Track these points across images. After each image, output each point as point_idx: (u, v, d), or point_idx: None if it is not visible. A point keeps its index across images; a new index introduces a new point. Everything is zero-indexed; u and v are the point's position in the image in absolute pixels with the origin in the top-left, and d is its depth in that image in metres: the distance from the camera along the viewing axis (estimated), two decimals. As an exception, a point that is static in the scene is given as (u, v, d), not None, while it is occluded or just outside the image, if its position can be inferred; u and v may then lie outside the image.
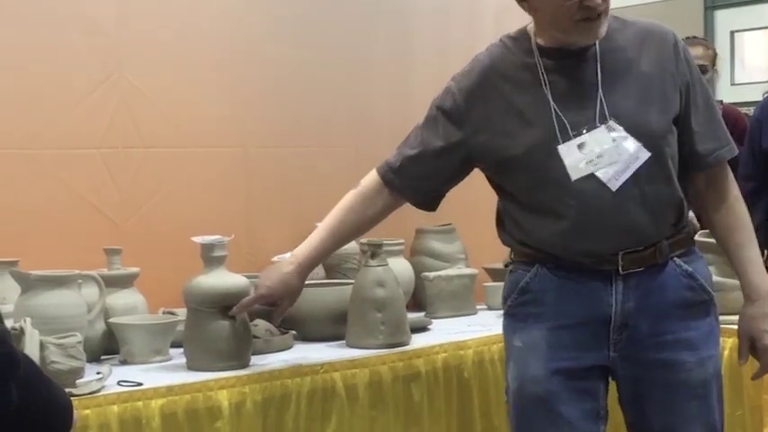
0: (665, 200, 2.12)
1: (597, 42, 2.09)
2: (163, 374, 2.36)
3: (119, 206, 2.94)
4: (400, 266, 3.09)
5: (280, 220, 3.25)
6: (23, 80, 2.80)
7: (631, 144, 2.06)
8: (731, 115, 4.06)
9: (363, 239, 2.96)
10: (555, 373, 2.11)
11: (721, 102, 4.21)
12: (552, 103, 2.09)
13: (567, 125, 2.08)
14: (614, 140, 2.06)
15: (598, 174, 2.06)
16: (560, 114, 2.08)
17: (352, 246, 3.18)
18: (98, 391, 2.18)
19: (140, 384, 2.24)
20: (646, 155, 2.06)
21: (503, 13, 3.81)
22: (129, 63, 2.97)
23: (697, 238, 3.01)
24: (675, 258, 2.14)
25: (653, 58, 2.12)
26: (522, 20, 4.06)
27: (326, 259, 2.63)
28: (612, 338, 2.12)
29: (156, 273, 2.75)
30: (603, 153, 2.06)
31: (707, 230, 3.09)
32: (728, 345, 2.77)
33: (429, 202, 2.34)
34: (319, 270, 3.11)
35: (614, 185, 2.06)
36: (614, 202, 2.07)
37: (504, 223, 2.23)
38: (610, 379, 2.19)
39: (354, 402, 2.50)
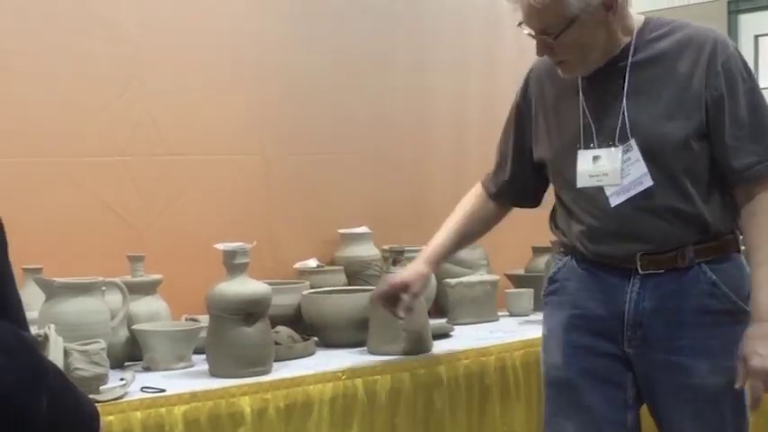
0: (681, 214, 2.10)
1: (631, 53, 2.10)
2: (186, 381, 2.36)
3: (141, 213, 2.96)
4: (422, 273, 3.07)
5: (301, 226, 3.26)
6: (46, 88, 2.82)
7: (639, 169, 2.09)
8: None
9: (386, 246, 2.97)
10: (572, 355, 2.18)
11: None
12: (583, 109, 2.14)
13: (594, 133, 2.12)
14: (624, 162, 2.10)
15: (606, 188, 2.12)
16: (589, 121, 2.13)
17: (374, 252, 3.20)
18: (121, 397, 2.19)
19: (163, 391, 2.25)
20: (649, 183, 2.09)
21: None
22: (151, 71, 2.99)
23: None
24: (703, 264, 2.12)
25: (687, 69, 2.08)
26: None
27: (451, 255, 2.64)
28: (626, 335, 2.14)
29: (178, 279, 2.76)
30: (609, 172, 2.11)
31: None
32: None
33: (533, 200, 2.42)
34: (341, 277, 3.12)
35: (614, 202, 2.12)
36: (624, 213, 2.10)
37: (553, 215, 2.32)
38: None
39: (376, 409, 2.50)
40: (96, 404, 2.03)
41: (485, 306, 3.21)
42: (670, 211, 2.10)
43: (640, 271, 2.12)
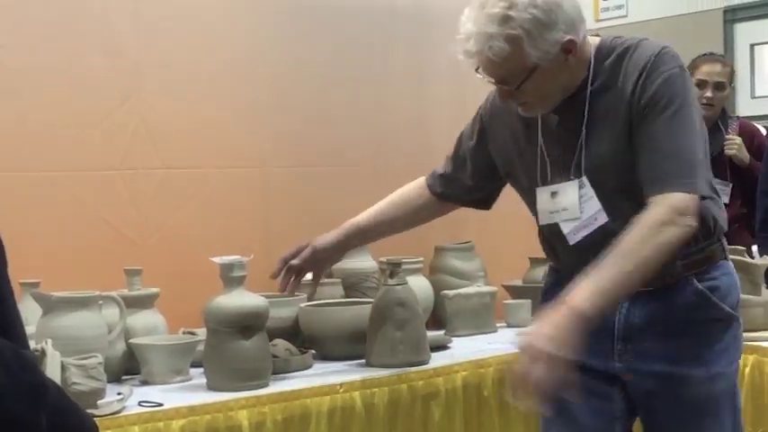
0: None
1: (589, 83, 2.07)
2: (183, 394, 2.36)
3: (139, 227, 2.96)
4: (419, 284, 3.08)
5: (298, 239, 3.22)
6: (43, 102, 2.82)
7: (593, 206, 2.08)
8: (747, 130, 4.05)
9: (383, 258, 2.97)
10: None
11: (737, 117, 4.19)
12: (541, 142, 2.13)
13: (548, 168, 2.12)
14: (581, 197, 2.09)
15: (561, 225, 2.12)
16: (545, 156, 2.12)
17: (371, 264, 3.20)
18: (119, 411, 2.19)
19: (161, 405, 2.25)
20: (603, 219, 2.07)
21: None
22: (148, 84, 2.99)
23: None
24: (691, 276, 2.11)
25: (628, 94, 2.04)
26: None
27: (362, 242, 2.63)
28: (617, 349, 2.13)
29: (176, 293, 2.76)
30: (568, 207, 2.11)
31: (730, 247, 3.09)
32: (750, 362, 2.76)
33: (480, 202, 2.41)
34: (339, 289, 3.11)
35: (572, 239, 2.11)
36: (599, 245, 2.03)
37: (540, 234, 2.30)
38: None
39: (374, 421, 2.50)
40: (94, 419, 2.04)
41: (483, 317, 3.21)
42: None
43: None
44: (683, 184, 1.98)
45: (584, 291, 1.88)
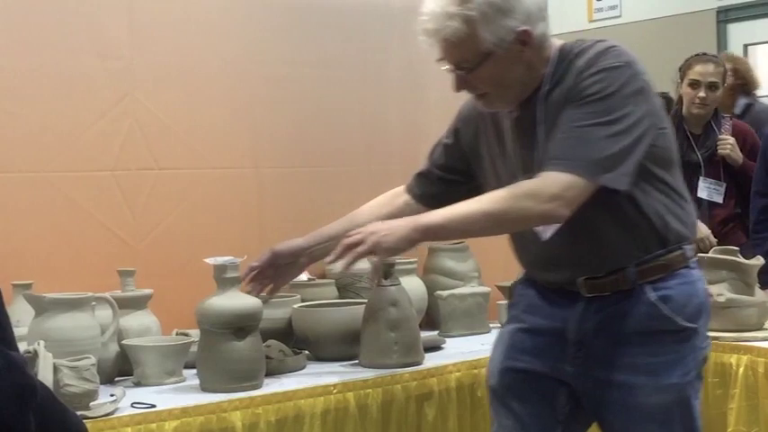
0: (615, 237, 2.09)
1: (546, 83, 2.08)
2: (176, 396, 2.36)
3: (132, 228, 2.95)
4: (413, 285, 3.08)
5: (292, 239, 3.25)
6: (37, 103, 2.82)
7: None
8: (740, 131, 4.06)
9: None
10: (508, 370, 2.22)
11: (731, 117, 4.20)
12: (509, 143, 2.15)
13: (517, 167, 2.13)
14: None
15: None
16: (515, 157, 2.14)
17: (364, 265, 3.19)
18: (112, 413, 2.19)
19: (154, 406, 2.25)
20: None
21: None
22: (142, 85, 2.99)
23: (711, 254, 3.03)
24: (646, 285, 2.10)
25: (572, 82, 2.05)
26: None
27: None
28: (569, 353, 2.14)
29: (169, 294, 2.76)
30: None
31: (722, 247, 3.10)
32: (744, 362, 2.76)
33: (455, 200, 2.34)
34: (332, 290, 3.11)
35: (544, 236, 2.12)
36: (557, 244, 2.10)
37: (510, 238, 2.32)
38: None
39: (368, 422, 2.50)
40: (86, 420, 2.03)
41: (476, 318, 3.21)
42: (598, 239, 2.10)
43: (585, 294, 2.13)
44: (564, 165, 1.98)
45: (435, 214, 2.03)
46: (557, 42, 2.11)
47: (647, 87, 2.06)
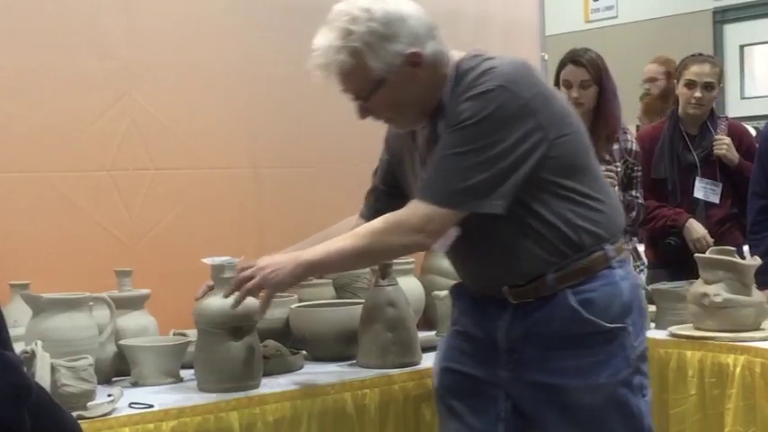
0: (526, 248, 2.12)
1: (445, 97, 2.11)
2: (174, 396, 2.36)
3: (129, 228, 2.95)
4: (410, 285, 3.08)
5: (291, 239, 3.22)
6: (34, 103, 2.82)
7: None
8: (736, 131, 4.07)
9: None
10: (446, 370, 2.29)
11: (726, 118, 4.22)
12: (416, 155, 2.22)
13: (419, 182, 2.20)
14: None
15: None
16: (416, 173, 2.21)
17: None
18: (109, 413, 2.18)
19: (151, 406, 2.25)
20: (454, 234, 2.13)
21: (511, 27, 3.83)
22: (140, 85, 2.99)
23: (708, 254, 3.03)
24: (567, 290, 2.13)
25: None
26: (529, 35, 4.08)
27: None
28: (502, 359, 2.19)
29: (166, 294, 2.75)
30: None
31: (719, 247, 3.11)
32: (741, 362, 2.77)
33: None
34: (329, 290, 3.11)
35: (436, 249, 2.22)
36: (468, 258, 2.19)
37: None
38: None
39: (365, 422, 2.50)
40: (84, 421, 2.04)
41: (474, 318, 3.21)
42: (510, 251, 2.14)
43: (512, 301, 2.17)
44: (428, 195, 2.08)
45: (316, 251, 2.17)
46: (455, 58, 2.14)
47: (532, 103, 2.07)
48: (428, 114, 2.15)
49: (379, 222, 2.14)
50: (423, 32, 2.09)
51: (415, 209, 2.09)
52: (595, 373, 2.14)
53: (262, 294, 2.22)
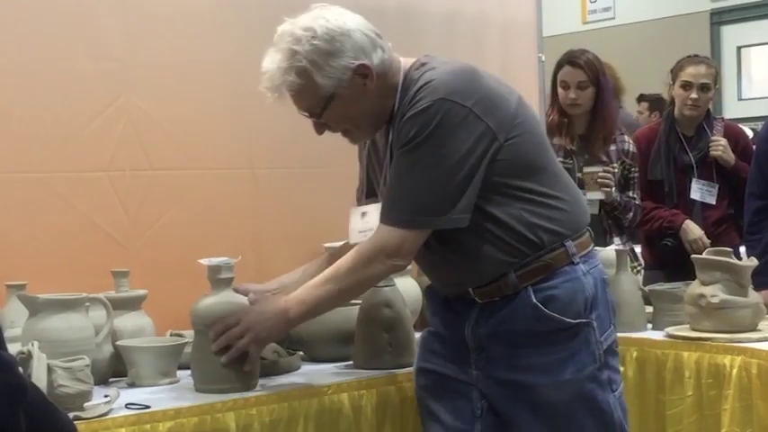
0: (484, 250, 2.15)
1: (395, 109, 2.14)
2: (170, 397, 2.36)
3: (126, 228, 2.95)
4: (407, 286, 3.08)
5: (288, 241, 3.26)
6: (30, 103, 2.81)
7: None
8: (732, 132, 4.08)
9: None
10: (421, 370, 2.34)
11: (722, 119, 4.23)
12: (366, 161, 2.30)
13: (366, 190, 2.30)
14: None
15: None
16: (365, 179, 2.30)
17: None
18: (106, 414, 2.18)
19: (148, 407, 2.24)
20: None
21: (509, 27, 3.83)
22: (137, 86, 2.98)
23: (704, 255, 3.04)
24: (529, 288, 2.16)
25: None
26: (527, 36, 4.08)
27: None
28: (472, 357, 2.22)
29: (163, 295, 2.75)
30: (374, 228, 2.21)
31: (716, 248, 3.11)
32: (737, 363, 2.77)
33: None
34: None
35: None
36: (428, 262, 2.24)
37: None
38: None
39: (362, 423, 2.49)
40: (80, 421, 2.04)
41: (471, 319, 3.21)
42: (469, 254, 2.17)
43: (478, 300, 2.21)
44: (395, 219, 2.13)
45: (297, 300, 2.22)
46: (405, 65, 2.18)
47: (476, 109, 2.09)
48: (383, 123, 2.19)
49: (353, 258, 2.18)
50: (368, 44, 2.11)
51: (386, 236, 2.14)
52: (561, 369, 2.16)
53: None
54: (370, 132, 2.21)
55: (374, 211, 2.23)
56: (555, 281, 2.17)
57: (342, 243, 3.25)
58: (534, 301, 2.16)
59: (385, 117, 2.17)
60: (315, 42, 2.09)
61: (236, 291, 2.42)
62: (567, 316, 2.16)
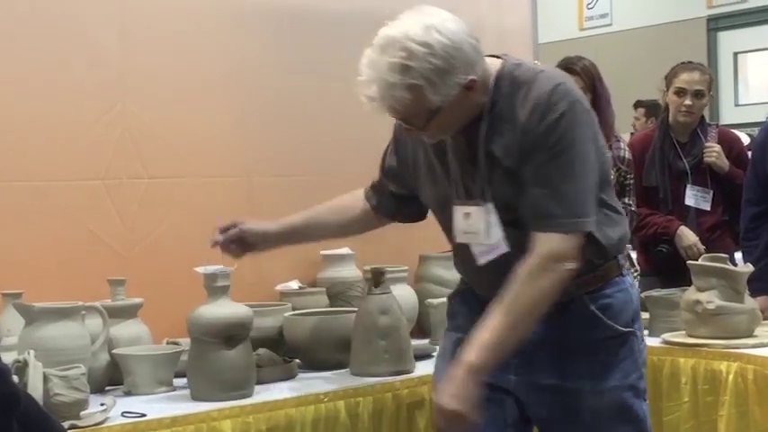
0: None
1: (487, 109, 2.10)
2: (167, 405, 2.36)
3: (123, 237, 2.95)
4: (404, 293, 3.09)
5: (283, 249, 3.24)
6: (27, 112, 2.82)
7: (496, 234, 2.14)
8: (726, 138, 4.08)
9: (367, 267, 2.97)
10: None
11: (716, 125, 4.23)
12: (452, 163, 2.17)
13: (463, 188, 2.17)
14: (487, 224, 2.14)
15: (471, 247, 2.18)
16: (458, 176, 2.17)
17: (355, 273, 3.21)
18: (102, 422, 2.18)
19: (144, 415, 2.25)
20: (504, 249, 2.14)
21: (504, 35, 3.84)
22: (133, 94, 2.99)
23: (701, 261, 3.04)
24: (585, 296, 2.17)
25: (523, 122, 2.08)
26: (522, 43, 4.08)
27: (297, 241, 2.62)
28: (513, 363, 2.18)
29: (160, 303, 2.75)
30: (477, 232, 2.16)
31: (712, 255, 3.12)
32: (734, 369, 2.77)
33: (415, 216, 2.44)
34: (323, 298, 3.12)
35: (480, 261, 2.18)
36: (497, 265, 2.14)
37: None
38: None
39: (359, 431, 2.50)
40: (76, 430, 2.04)
41: (467, 326, 3.21)
42: None
43: None
44: (564, 224, 2.06)
45: (477, 348, 2.05)
46: (494, 68, 2.13)
47: (589, 113, 2.10)
48: (465, 124, 2.13)
49: (524, 276, 2.05)
50: (475, 56, 2.06)
51: (555, 243, 2.05)
52: (606, 376, 2.17)
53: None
54: (455, 131, 2.14)
55: (477, 213, 2.15)
56: (609, 290, 2.19)
57: (342, 249, 3.26)
58: (592, 308, 2.17)
59: (473, 116, 2.12)
60: (433, 60, 1.98)
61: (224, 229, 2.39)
62: (619, 324, 2.18)
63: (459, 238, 2.21)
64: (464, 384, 2.04)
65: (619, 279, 2.21)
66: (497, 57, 2.15)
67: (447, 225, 2.24)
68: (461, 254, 2.25)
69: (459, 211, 2.19)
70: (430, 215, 2.41)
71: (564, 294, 2.13)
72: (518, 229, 2.11)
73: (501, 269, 2.11)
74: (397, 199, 2.41)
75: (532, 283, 2.05)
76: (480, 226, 2.15)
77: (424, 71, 1.99)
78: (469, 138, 2.13)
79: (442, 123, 2.08)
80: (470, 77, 2.04)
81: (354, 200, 2.48)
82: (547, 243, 2.06)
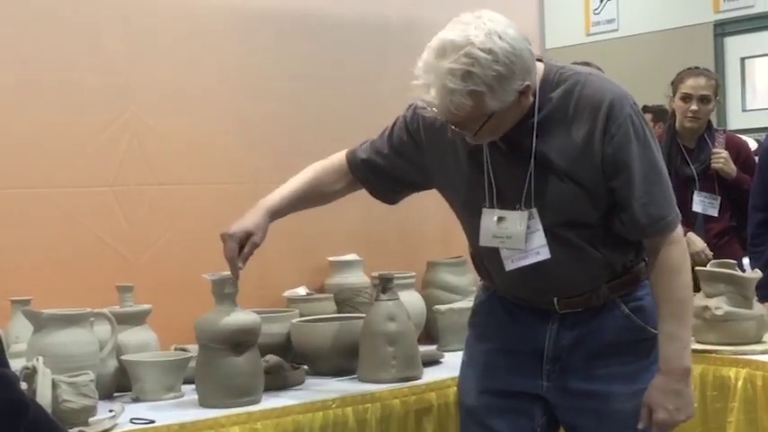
0: (583, 267, 2.15)
1: (536, 111, 2.09)
2: (175, 411, 2.36)
3: (131, 243, 2.95)
4: (412, 299, 3.09)
5: (291, 254, 3.26)
6: (36, 119, 2.83)
7: (538, 240, 2.13)
8: (733, 144, 4.07)
9: (375, 273, 2.97)
10: (484, 391, 2.26)
11: (724, 130, 4.22)
12: (488, 166, 2.15)
13: (495, 192, 2.15)
14: (528, 228, 2.13)
15: (501, 251, 2.16)
16: (492, 180, 2.15)
17: (363, 280, 3.21)
18: (110, 429, 2.19)
19: (152, 422, 2.25)
20: (546, 255, 2.13)
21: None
22: (141, 101, 3.00)
23: (709, 267, 3.04)
24: (618, 299, 2.19)
25: (584, 132, 2.08)
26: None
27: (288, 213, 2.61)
28: (545, 369, 2.20)
29: (168, 309, 2.76)
30: (513, 236, 2.14)
31: (720, 261, 3.11)
32: (742, 375, 2.77)
33: (388, 197, 2.45)
34: (331, 305, 3.12)
35: (509, 266, 2.17)
36: (526, 272, 2.15)
37: (474, 253, 2.34)
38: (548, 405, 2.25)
39: (367, 437, 2.50)
40: (84, 437, 2.03)
41: (475, 332, 3.21)
42: (571, 267, 2.15)
43: (559, 311, 2.20)
44: (672, 221, 2.14)
45: (675, 351, 2.13)
46: (539, 67, 2.12)
47: (638, 107, 2.17)
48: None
49: (674, 273, 2.15)
50: (532, 62, 2.06)
51: (675, 243, 2.14)
52: (638, 378, 2.19)
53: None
54: (501, 134, 2.13)
55: (513, 219, 2.14)
56: (640, 292, 2.21)
57: (349, 255, 3.25)
58: (625, 311, 2.19)
59: (518, 120, 2.11)
60: (496, 68, 1.97)
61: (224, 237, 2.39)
62: (650, 326, 2.20)
63: (488, 242, 2.18)
64: (685, 391, 2.14)
65: (647, 281, 2.22)
66: (538, 60, 2.15)
67: (473, 226, 2.21)
68: (485, 257, 2.24)
69: (490, 214, 2.16)
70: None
71: (596, 299, 2.16)
72: (555, 234, 2.11)
73: (534, 274, 2.13)
74: (389, 179, 2.38)
75: (682, 272, 2.15)
76: (515, 230, 2.13)
77: (487, 78, 1.97)
78: (511, 140, 2.12)
79: (493, 127, 2.07)
80: (526, 83, 2.04)
81: (334, 174, 2.45)
82: (670, 244, 2.13)
